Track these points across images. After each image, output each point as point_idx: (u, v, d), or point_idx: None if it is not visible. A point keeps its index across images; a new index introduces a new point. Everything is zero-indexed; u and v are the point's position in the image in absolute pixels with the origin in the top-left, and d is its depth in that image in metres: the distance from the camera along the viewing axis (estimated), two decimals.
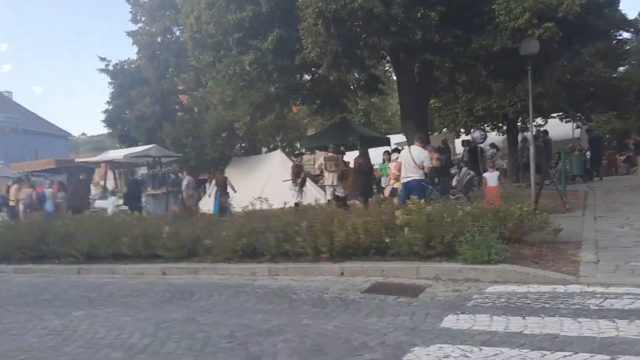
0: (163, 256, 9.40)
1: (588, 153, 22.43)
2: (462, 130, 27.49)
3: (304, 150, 17.56)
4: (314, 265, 7.99)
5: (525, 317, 4.94)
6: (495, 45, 11.36)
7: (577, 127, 27.23)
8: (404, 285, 6.92)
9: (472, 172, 10.03)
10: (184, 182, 15.89)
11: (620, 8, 16.92)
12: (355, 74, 17.33)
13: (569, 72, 23.39)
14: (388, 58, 14.59)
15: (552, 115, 28.48)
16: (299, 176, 15.92)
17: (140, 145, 20.01)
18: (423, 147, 10.50)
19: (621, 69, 30.56)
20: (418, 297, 6.26)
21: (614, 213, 11.00)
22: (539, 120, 28.72)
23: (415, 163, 10.09)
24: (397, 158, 10.84)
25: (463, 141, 21.16)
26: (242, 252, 8.68)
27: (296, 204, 15.80)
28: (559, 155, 18.86)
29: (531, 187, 12.09)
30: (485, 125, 28.25)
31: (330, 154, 14.82)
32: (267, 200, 10.00)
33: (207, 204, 21.34)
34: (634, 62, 31.76)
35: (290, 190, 16.22)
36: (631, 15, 27.87)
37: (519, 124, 27.75)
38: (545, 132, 19.12)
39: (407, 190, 10.20)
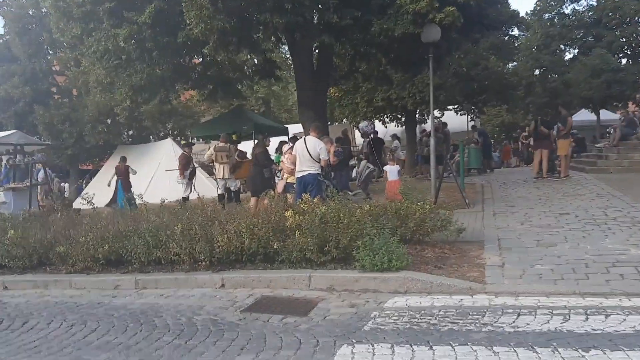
0: (7, 266, 7.73)
1: None
2: (361, 120, 27.19)
3: (194, 140, 16.02)
4: (190, 276, 6.75)
5: (433, 347, 4.06)
6: (396, 29, 10.60)
7: (472, 119, 27.71)
8: (293, 300, 5.89)
9: (371, 166, 9.20)
10: (39, 175, 13.92)
11: (510, 4, 17.12)
12: (251, 56, 16.13)
13: (465, 65, 23.58)
14: (284, 40, 13.48)
15: (449, 107, 28.93)
16: (188, 167, 14.49)
17: (6, 131, 17.49)
18: (319, 138, 9.55)
19: (510, 65, 31.80)
20: (308, 315, 5.25)
21: (512, 208, 10.68)
22: (436, 113, 29.07)
23: (310, 156, 9.10)
24: (290, 149, 9.77)
25: (363, 132, 20.57)
26: (105, 261, 7.24)
27: (184, 199, 14.39)
28: (457, 147, 18.83)
29: (431, 180, 11.55)
30: (385, 116, 28.16)
31: (221, 144, 13.51)
32: (141, 197, 8.59)
33: (103, 197, 19.34)
34: (523, 58, 33.06)
35: (178, 182, 14.76)
36: (521, 13, 28.97)
37: (417, 115, 27.91)
38: (445, 124, 18.96)
39: (301, 186, 9.19)
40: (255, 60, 15.90)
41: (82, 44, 11.94)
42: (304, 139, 9.29)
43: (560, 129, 14.09)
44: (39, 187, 13.91)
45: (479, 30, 13.00)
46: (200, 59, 15.23)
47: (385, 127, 28.68)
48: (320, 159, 9.21)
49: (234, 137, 14.14)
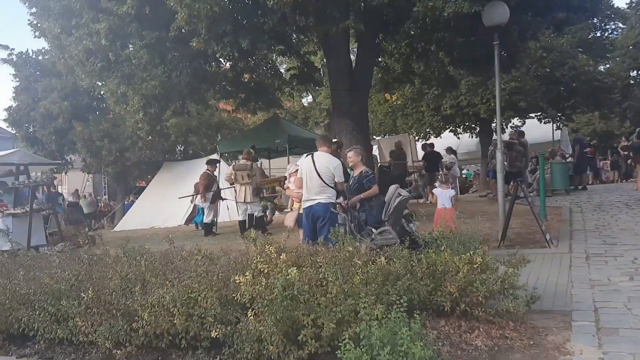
0: None
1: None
2: (430, 131, 24.16)
3: (218, 156, 13.87)
4: None
5: None
6: (446, 8, 7.84)
7: (558, 128, 23.97)
8: None
9: (404, 192, 6.44)
10: (42, 199, 12.26)
11: None
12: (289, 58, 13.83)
13: (548, 65, 20.10)
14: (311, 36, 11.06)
15: (530, 115, 25.33)
16: (210, 189, 12.33)
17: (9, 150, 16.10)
18: (336, 153, 7.11)
19: (601, 67, 27.55)
20: None
21: (613, 248, 7.56)
22: (516, 121, 25.55)
23: (320, 178, 6.55)
24: (296, 170, 7.27)
25: (424, 144, 17.60)
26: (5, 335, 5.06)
27: (206, 225, 12.24)
28: (536, 160, 15.53)
29: (499, 207, 8.60)
30: (457, 126, 24.99)
31: (242, 161, 11.24)
32: None
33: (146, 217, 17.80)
34: (618, 57, 28.69)
35: (199, 206, 12.63)
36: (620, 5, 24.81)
37: (493, 124, 24.51)
38: (522, 132, 15.66)
39: (309, 220, 6.67)
40: (293, 63, 13.55)
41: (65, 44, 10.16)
42: (312, 155, 6.75)
43: None
44: (49, 213, 12.22)
45: (561, 9, 9.84)
46: (230, 63, 13.09)
47: (458, 138, 25.52)
48: (335, 182, 6.65)
49: (252, 151, 11.79)
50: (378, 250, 6.19)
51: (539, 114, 25.03)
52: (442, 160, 15.74)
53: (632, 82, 28.76)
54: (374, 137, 22.25)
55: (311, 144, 12.62)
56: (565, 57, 20.14)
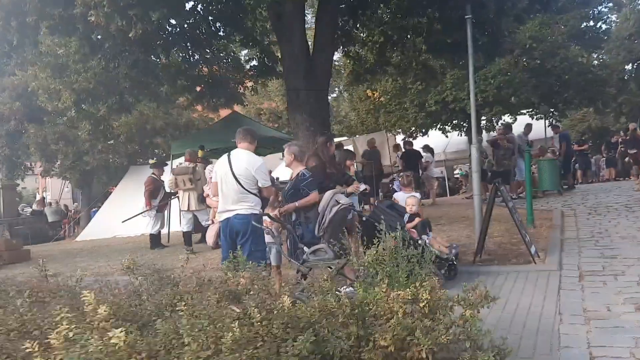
0: None
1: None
2: (415, 129, 22.70)
3: (171, 158, 12.35)
4: None
5: None
6: None
7: (550, 124, 22.56)
8: None
9: (343, 199, 4.99)
10: None
11: None
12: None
13: (538, 55, 18.67)
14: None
15: (522, 111, 23.93)
16: (156, 196, 10.85)
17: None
18: (325, 148, 6.04)
19: (596, 57, 26.10)
20: None
21: (613, 262, 6.12)
22: (507, 118, 24.16)
23: (239, 183, 5.08)
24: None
25: (403, 142, 16.10)
26: None
27: (152, 237, 10.78)
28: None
29: (475, 214, 7.15)
30: (445, 124, 23.57)
31: (184, 164, 9.78)
32: None
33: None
34: (613, 49, 27.25)
35: (144, 216, 11.16)
36: None
37: (483, 121, 23.10)
38: (509, 126, 14.22)
39: (227, 236, 5.21)
40: (252, 53, 12.10)
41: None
42: (229, 155, 5.28)
43: None
44: None
45: None
46: (182, 54, 11.66)
47: (446, 136, 24.11)
48: (259, 188, 5.19)
49: (199, 153, 10.31)
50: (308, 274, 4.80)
51: (530, 110, 23.67)
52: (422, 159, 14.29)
53: (627, 75, 27.33)
54: (357, 136, 20.77)
55: (276, 144, 11.19)
56: (556, 48, 18.71)
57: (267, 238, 5.67)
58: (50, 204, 21.76)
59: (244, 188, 5.08)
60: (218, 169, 5.29)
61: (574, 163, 17.20)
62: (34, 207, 21.22)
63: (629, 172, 18.19)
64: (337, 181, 6.30)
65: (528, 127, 14.82)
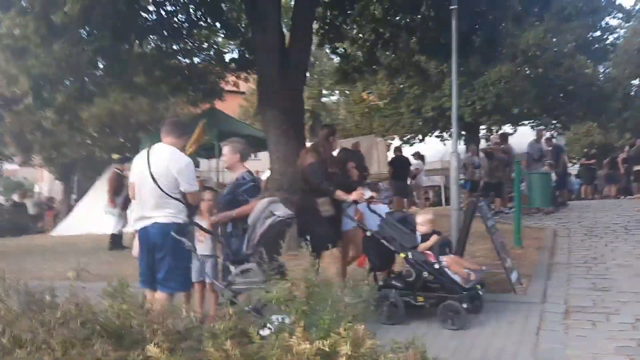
0: None
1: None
2: (412, 136, 21.78)
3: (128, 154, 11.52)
4: None
5: None
6: None
7: (552, 137, 21.59)
8: None
9: (280, 211, 4.09)
10: None
11: None
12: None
13: (541, 64, 17.77)
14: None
15: (523, 122, 23.00)
16: (119, 193, 10.02)
17: None
18: (327, 143, 5.30)
19: (603, 70, 25.10)
20: None
21: (605, 297, 5.21)
22: (507, 128, 23.24)
23: (158, 185, 4.19)
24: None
25: (395, 148, 15.15)
26: None
27: (113, 236, 9.93)
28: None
29: (452, 230, 6.24)
30: (444, 131, 22.66)
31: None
32: None
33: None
34: (620, 64, 26.24)
35: (106, 213, 10.32)
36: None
37: (483, 130, 22.20)
38: (505, 136, 13.26)
39: (144, 249, 4.33)
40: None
41: None
42: (147, 151, 4.40)
43: None
44: None
45: None
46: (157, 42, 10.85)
47: (444, 144, 23.18)
48: (183, 193, 4.29)
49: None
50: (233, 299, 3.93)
51: (532, 121, 22.74)
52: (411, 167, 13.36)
53: (633, 90, 26.27)
54: (342, 140, 19.84)
55: (253, 142, 10.25)
56: (560, 57, 17.81)
57: (202, 249, 4.81)
58: (32, 195, 20.95)
59: (164, 192, 4.19)
60: (135, 168, 4.42)
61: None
62: (15, 198, 20.39)
63: (631, 190, 17.23)
64: (341, 184, 5.06)
65: (539, 133, 13.52)
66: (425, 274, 4.61)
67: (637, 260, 6.65)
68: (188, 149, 8.31)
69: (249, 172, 4.83)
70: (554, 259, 7.01)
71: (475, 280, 4.72)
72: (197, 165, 19.03)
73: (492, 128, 21.51)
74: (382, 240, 4.82)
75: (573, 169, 21.50)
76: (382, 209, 5.79)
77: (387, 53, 12.03)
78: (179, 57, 11.54)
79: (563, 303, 5.08)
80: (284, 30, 8.93)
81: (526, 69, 17.80)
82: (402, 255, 4.75)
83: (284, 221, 4.30)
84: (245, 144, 4.98)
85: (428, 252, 4.78)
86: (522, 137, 22.04)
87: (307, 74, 10.74)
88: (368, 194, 5.39)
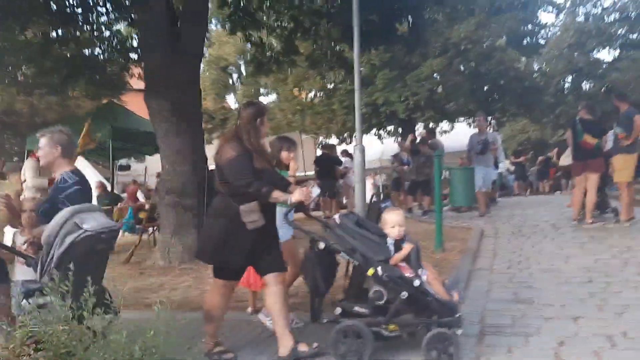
0: None
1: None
2: (347, 134, 20.94)
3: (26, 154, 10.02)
4: None
5: None
6: None
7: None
8: None
9: (90, 224, 2.98)
10: None
11: None
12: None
13: (474, 58, 17.27)
14: None
15: (459, 119, 22.64)
16: None
17: None
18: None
19: (534, 65, 25.04)
20: None
21: (525, 312, 4.35)
22: (445, 125, 22.82)
23: None
24: None
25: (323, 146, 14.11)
26: None
27: None
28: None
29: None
30: (380, 128, 22.00)
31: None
32: None
33: None
34: (553, 60, 26.36)
35: None
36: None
37: (420, 127, 21.63)
38: (432, 131, 12.48)
39: None
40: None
41: None
42: None
43: (620, 137, 7.70)
44: None
45: None
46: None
47: (382, 142, 22.52)
48: None
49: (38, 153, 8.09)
50: None
51: (468, 117, 22.41)
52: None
53: (566, 87, 26.43)
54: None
55: (151, 140, 9.00)
56: (491, 50, 17.39)
57: (23, 273, 3.65)
58: None
59: None
60: None
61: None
62: None
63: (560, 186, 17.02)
64: (274, 182, 3.71)
65: (480, 122, 11.84)
66: (404, 294, 3.40)
67: (564, 263, 5.90)
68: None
69: (74, 171, 3.70)
70: (476, 264, 6.17)
71: (457, 300, 3.61)
72: (127, 168, 17.52)
73: (431, 125, 21.01)
74: (342, 254, 3.54)
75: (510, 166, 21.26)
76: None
77: (307, 43, 11.06)
78: (75, 47, 10.14)
79: (478, 322, 4.18)
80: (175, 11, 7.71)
81: (458, 62, 17.26)
82: (370, 271, 3.44)
83: (96, 236, 3.15)
84: (70, 135, 3.83)
85: (402, 264, 3.62)
86: (458, 135, 21.71)
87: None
88: (316, 191, 4.11)
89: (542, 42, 18.90)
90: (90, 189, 3.86)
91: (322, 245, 3.55)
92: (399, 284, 3.42)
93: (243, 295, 5.03)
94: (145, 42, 7.42)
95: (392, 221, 3.70)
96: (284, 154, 4.44)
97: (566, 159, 14.59)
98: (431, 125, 20.64)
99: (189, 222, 7.13)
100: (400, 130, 21.80)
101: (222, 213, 3.61)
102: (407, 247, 3.62)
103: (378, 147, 21.87)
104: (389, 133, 22.62)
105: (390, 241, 3.66)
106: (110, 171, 10.85)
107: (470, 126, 22.27)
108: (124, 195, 13.25)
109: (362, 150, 5.43)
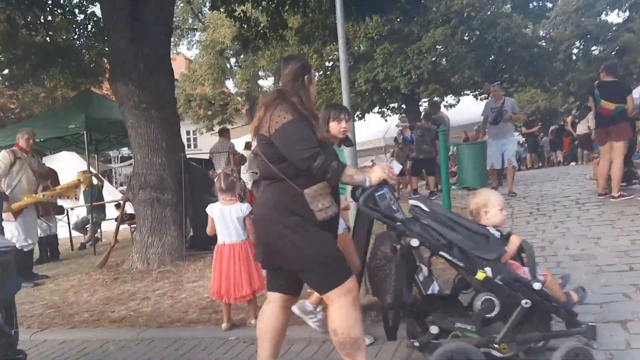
0: None
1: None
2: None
3: None
4: None
5: None
6: None
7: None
8: None
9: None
10: None
11: None
12: None
13: (478, 26, 16.21)
14: None
15: (466, 92, 21.59)
16: None
17: None
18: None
19: (541, 31, 23.83)
20: None
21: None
22: (450, 99, 21.76)
23: None
24: None
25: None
26: None
27: None
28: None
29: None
30: (384, 105, 21.04)
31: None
32: None
33: None
34: (560, 25, 25.15)
35: None
36: None
37: (425, 104, 20.63)
38: (435, 105, 11.47)
39: None
40: None
41: None
42: None
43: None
44: None
45: None
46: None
47: (386, 120, 21.49)
48: None
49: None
50: None
51: (475, 91, 21.38)
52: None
53: (575, 52, 25.28)
54: None
55: (122, 130, 8.10)
56: (497, 17, 16.31)
57: None
58: None
59: None
60: None
61: None
62: None
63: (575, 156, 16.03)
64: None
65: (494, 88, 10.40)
66: (526, 302, 2.57)
67: (595, 246, 5.03)
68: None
69: None
70: None
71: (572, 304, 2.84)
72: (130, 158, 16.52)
73: (437, 99, 20.01)
74: (441, 254, 2.61)
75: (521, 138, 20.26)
76: (238, 209, 3.95)
77: (297, 15, 10.13)
78: (46, 33, 9.34)
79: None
80: None
81: (462, 31, 16.20)
82: (481, 275, 2.58)
83: (10, 252, 2.38)
84: None
85: (513, 262, 2.81)
86: (466, 107, 20.70)
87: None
88: (397, 167, 3.10)
89: (549, 5, 17.68)
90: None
91: (415, 242, 2.55)
92: (517, 288, 2.59)
93: (216, 307, 4.25)
94: (108, 18, 6.55)
95: (498, 202, 2.89)
96: (334, 126, 3.38)
97: (581, 127, 13.70)
98: (436, 99, 19.68)
99: (169, 219, 6.35)
100: (403, 106, 20.86)
101: (282, 205, 2.53)
102: (515, 240, 2.78)
103: (382, 126, 20.90)
104: (392, 110, 21.66)
105: (495, 232, 2.78)
106: (90, 163, 10.08)
107: (477, 98, 21.26)
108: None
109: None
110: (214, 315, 4.29)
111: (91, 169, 9.68)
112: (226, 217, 3.86)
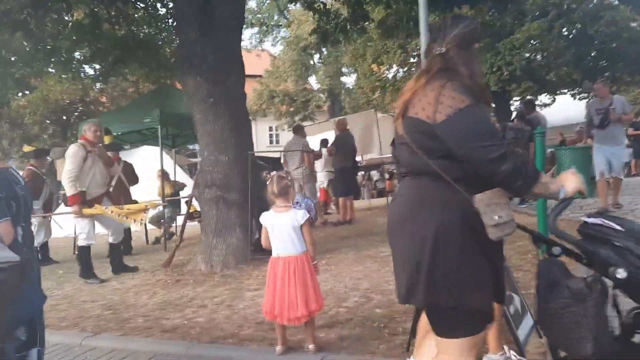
0: None
1: None
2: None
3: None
4: None
5: None
6: None
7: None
8: None
9: None
10: None
11: None
12: None
13: (578, 20, 14.80)
14: None
15: (562, 90, 20.00)
16: (37, 196, 7.95)
17: None
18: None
19: None
20: None
21: None
22: (544, 98, 20.28)
23: None
24: None
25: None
26: None
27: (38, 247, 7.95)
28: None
29: None
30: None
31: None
32: None
33: None
34: None
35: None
36: None
37: (516, 102, 19.35)
38: (530, 103, 10.34)
39: None
40: None
41: None
42: None
43: None
44: None
45: None
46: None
47: None
48: None
49: (106, 139, 7.36)
50: None
51: (573, 89, 19.73)
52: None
53: None
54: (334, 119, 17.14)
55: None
56: (600, 9, 14.80)
57: None
58: None
59: None
60: None
61: None
62: None
63: None
64: None
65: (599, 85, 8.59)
66: None
67: None
68: None
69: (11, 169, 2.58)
70: None
71: None
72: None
73: (531, 98, 18.65)
74: None
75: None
76: (297, 217, 3.44)
77: (380, 7, 9.53)
78: (126, 27, 9.39)
79: None
80: None
81: (560, 25, 14.86)
82: None
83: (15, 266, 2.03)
84: None
85: None
86: (562, 107, 19.18)
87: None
88: None
89: None
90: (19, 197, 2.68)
91: (622, 273, 1.87)
92: None
93: (273, 324, 3.78)
94: (179, 10, 6.31)
95: None
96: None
97: None
98: (529, 97, 18.30)
99: (234, 219, 6.01)
100: (493, 105, 19.62)
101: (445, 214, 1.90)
102: None
103: None
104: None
105: None
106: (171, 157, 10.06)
107: (575, 98, 19.66)
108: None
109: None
110: (270, 333, 3.83)
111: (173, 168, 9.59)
112: (280, 227, 3.39)
